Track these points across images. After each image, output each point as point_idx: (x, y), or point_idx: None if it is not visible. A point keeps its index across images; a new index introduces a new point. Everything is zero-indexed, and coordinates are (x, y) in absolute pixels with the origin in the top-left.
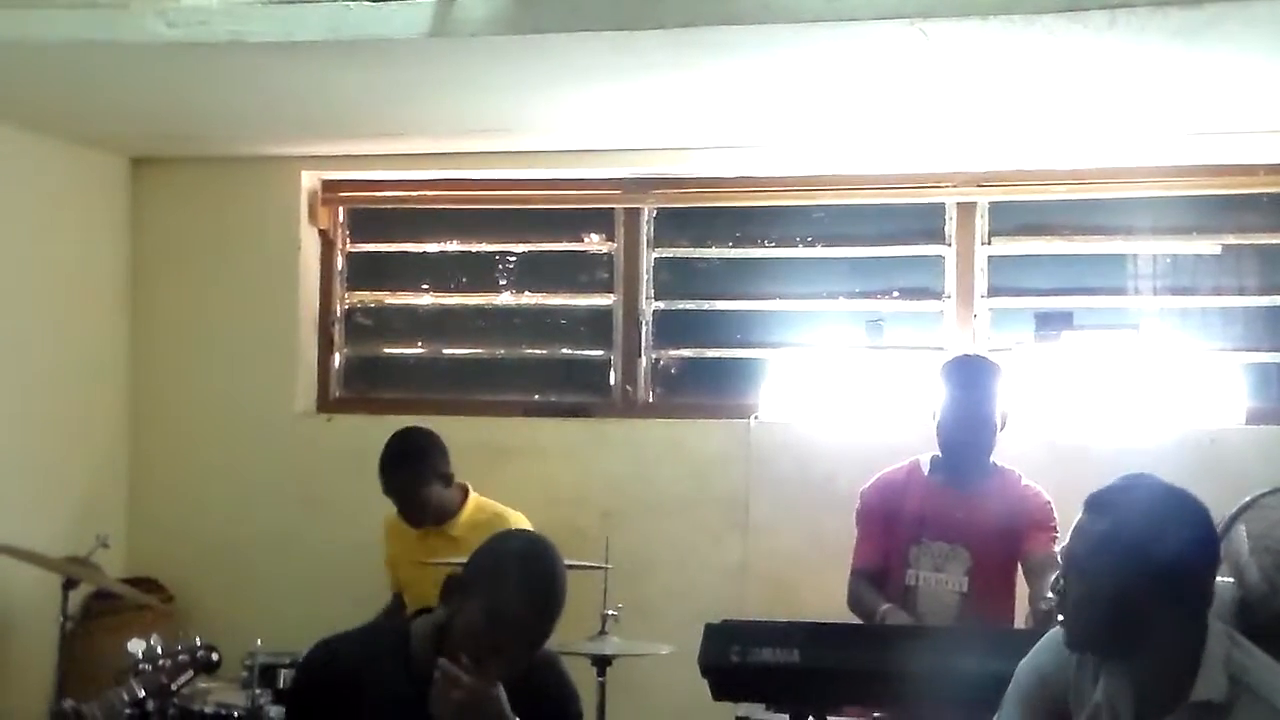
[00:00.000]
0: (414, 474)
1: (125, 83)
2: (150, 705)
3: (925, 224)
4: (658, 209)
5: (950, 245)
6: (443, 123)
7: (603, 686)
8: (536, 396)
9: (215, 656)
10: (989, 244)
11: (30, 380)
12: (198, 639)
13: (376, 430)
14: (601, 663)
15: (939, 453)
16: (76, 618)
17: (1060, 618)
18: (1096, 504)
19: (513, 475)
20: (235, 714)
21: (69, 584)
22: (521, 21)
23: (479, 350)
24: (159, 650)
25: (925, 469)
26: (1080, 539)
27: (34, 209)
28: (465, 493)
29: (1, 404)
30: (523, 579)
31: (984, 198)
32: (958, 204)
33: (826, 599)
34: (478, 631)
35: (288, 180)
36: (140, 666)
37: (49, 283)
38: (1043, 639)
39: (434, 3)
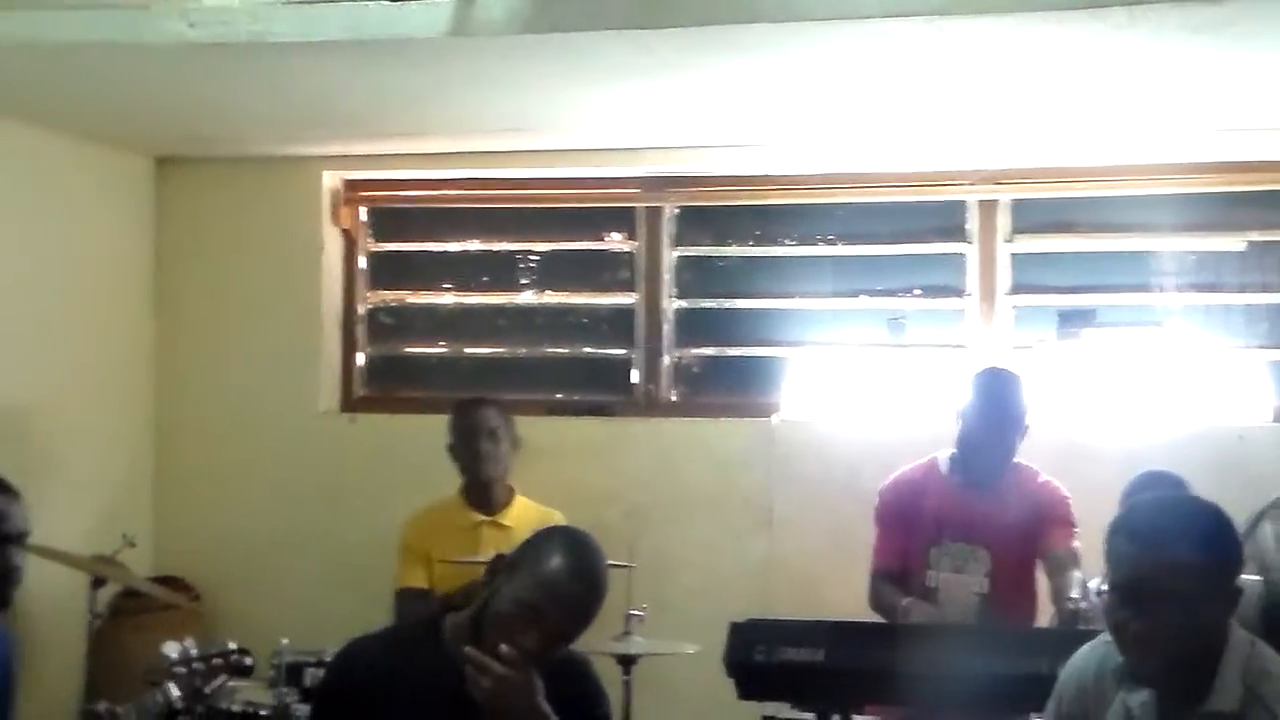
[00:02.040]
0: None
1: (149, 83)
2: (183, 708)
3: (946, 222)
4: (679, 207)
5: (972, 243)
6: (463, 122)
7: (628, 686)
8: (559, 395)
9: (249, 661)
10: (1011, 241)
11: (57, 379)
12: (231, 643)
13: (399, 429)
14: (627, 662)
15: (955, 451)
16: (104, 617)
17: (1125, 656)
18: (1138, 532)
19: (536, 474)
20: (262, 712)
21: (96, 583)
22: (540, 21)
23: (501, 349)
24: (193, 653)
25: (943, 468)
26: (1134, 569)
27: (61, 209)
28: (512, 491)
29: (28, 403)
30: (566, 547)
31: (1006, 195)
32: (979, 201)
33: (850, 597)
34: (518, 600)
35: (310, 180)
36: (175, 669)
37: (75, 281)
38: (1082, 649)
39: (453, 2)
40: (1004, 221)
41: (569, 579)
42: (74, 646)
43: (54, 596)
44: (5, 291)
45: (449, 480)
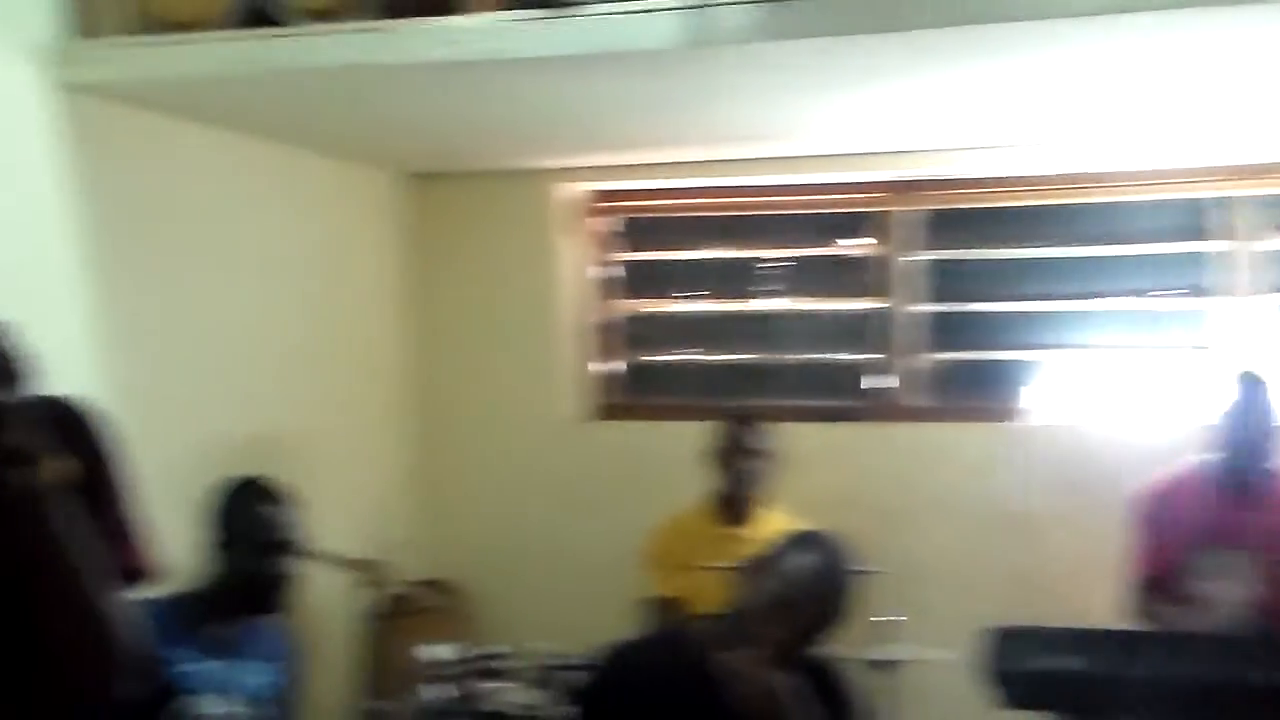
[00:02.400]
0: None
1: (400, 103)
2: (449, 707)
3: (1193, 220)
4: (923, 211)
5: (1221, 241)
6: (703, 130)
7: (879, 692)
8: (803, 402)
9: (510, 664)
10: (1258, 239)
11: (324, 391)
12: (492, 647)
13: (650, 436)
14: (878, 668)
15: (1213, 455)
16: (375, 619)
17: None
18: None
19: (781, 482)
20: (522, 714)
21: (366, 585)
22: (776, 28)
23: (748, 356)
24: (458, 655)
25: (1202, 473)
26: None
27: (322, 225)
28: (758, 500)
29: (300, 415)
30: (816, 546)
31: (1253, 191)
32: (1228, 199)
33: (1106, 604)
34: (768, 594)
35: (555, 191)
36: (441, 671)
37: (338, 294)
38: None
39: (688, 13)
40: (1251, 219)
41: (817, 575)
42: (348, 647)
43: (329, 599)
44: (272, 310)
45: (699, 486)
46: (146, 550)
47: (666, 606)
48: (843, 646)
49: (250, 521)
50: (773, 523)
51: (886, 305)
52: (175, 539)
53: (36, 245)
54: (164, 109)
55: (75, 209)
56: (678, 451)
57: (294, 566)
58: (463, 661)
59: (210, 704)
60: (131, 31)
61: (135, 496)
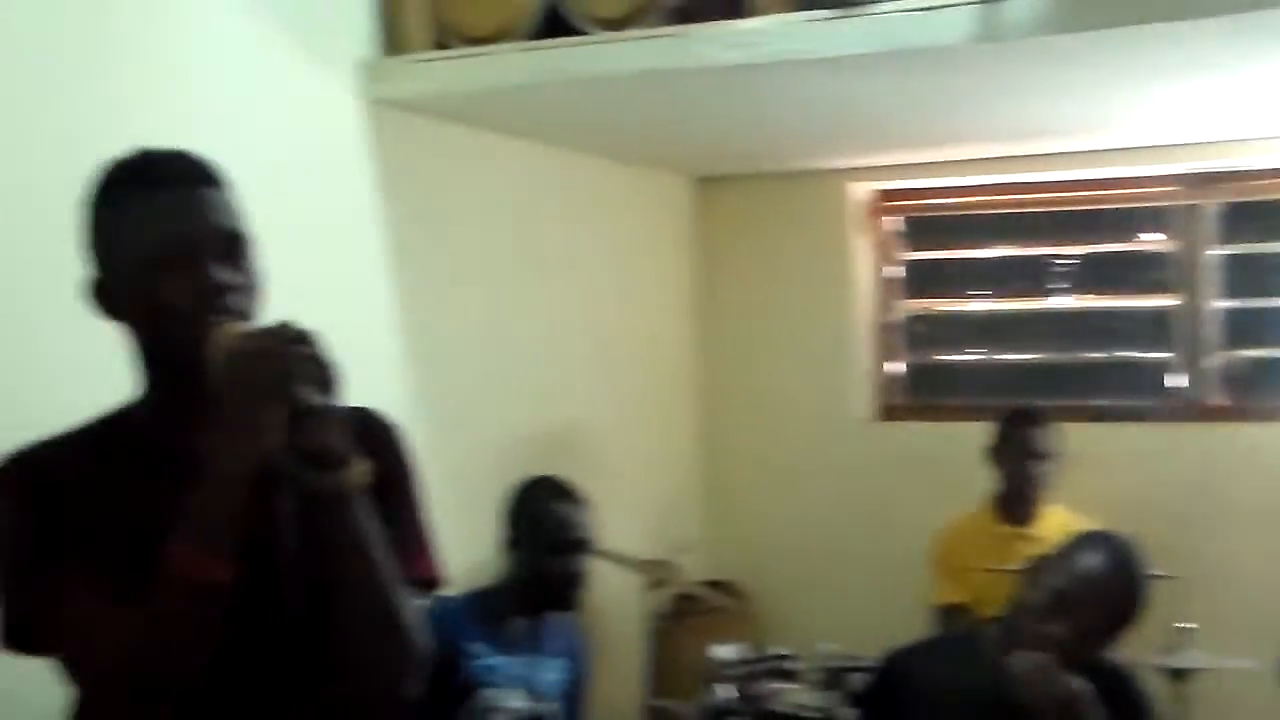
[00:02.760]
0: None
1: (687, 107)
2: (735, 708)
3: None
4: (1221, 204)
5: None
6: (992, 127)
7: (1172, 700)
8: (1095, 401)
9: (794, 666)
10: None
11: (612, 391)
12: (778, 649)
13: (936, 438)
14: (1175, 676)
15: None
16: (661, 618)
17: None
18: None
19: (1076, 482)
20: (808, 715)
21: (653, 585)
22: (1070, 20)
23: (1037, 355)
24: (743, 657)
25: None
26: None
27: (613, 230)
28: (1044, 500)
29: (588, 414)
30: (1104, 544)
31: None
32: None
33: None
34: (1051, 589)
35: (841, 191)
36: (726, 671)
37: (626, 297)
38: None
39: (979, 7)
40: None
41: (1104, 573)
42: (635, 646)
43: (617, 598)
44: (565, 314)
45: (986, 487)
46: (436, 561)
47: (954, 612)
48: (1134, 652)
49: (545, 520)
50: (1060, 524)
51: (1183, 301)
52: (473, 537)
53: (344, 255)
54: (463, 120)
55: (380, 219)
56: (963, 452)
57: (586, 565)
58: (748, 662)
59: (509, 698)
60: (435, 47)
61: (427, 509)
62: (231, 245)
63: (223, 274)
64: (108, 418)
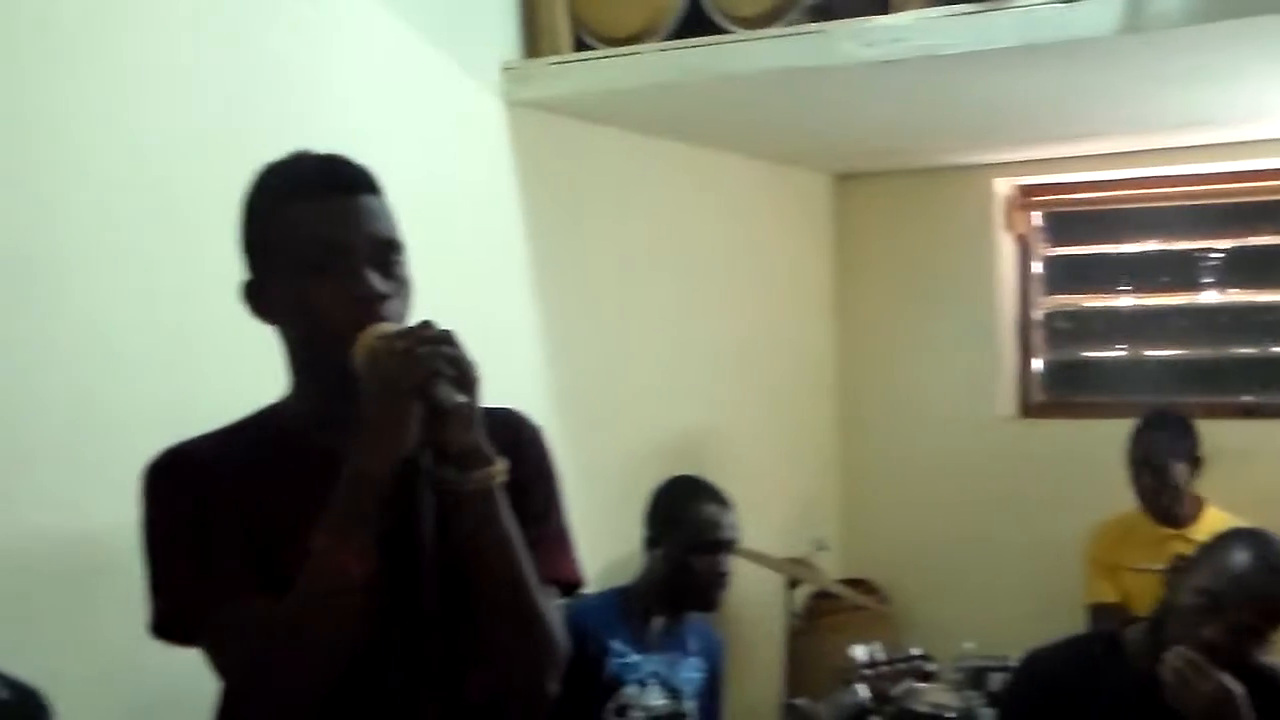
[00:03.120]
0: (1176, 442)
1: (827, 105)
2: (872, 707)
3: None
4: None
5: None
6: (1137, 120)
7: None
8: (1247, 397)
9: (932, 667)
10: None
11: (750, 389)
12: (915, 649)
13: (1079, 435)
14: None
15: None
16: (800, 617)
17: None
18: None
19: (1227, 480)
20: (948, 715)
21: (792, 584)
22: (1219, 8)
23: (1184, 351)
24: (881, 657)
25: None
26: None
27: (750, 227)
28: (1201, 502)
29: (726, 412)
30: (1251, 540)
31: None
32: None
33: None
34: (1198, 589)
35: (982, 187)
36: (864, 671)
37: (764, 295)
38: None
39: None
40: None
41: (1253, 569)
42: (773, 644)
43: (755, 596)
44: (702, 312)
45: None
46: (575, 562)
47: (1106, 611)
48: None
49: (689, 519)
50: (1215, 522)
51: None
52: (612, 536)
53: (485, 256)
54: (603, 120)
55: (521, 221)
56: (1107, 451)
57: (728, 564)
58: (887, 662)
59: (650, 696)
60: (575, 48)
61: (566, 510)
62: (383, 252)
63: (374, 281)
64: (259, 416)
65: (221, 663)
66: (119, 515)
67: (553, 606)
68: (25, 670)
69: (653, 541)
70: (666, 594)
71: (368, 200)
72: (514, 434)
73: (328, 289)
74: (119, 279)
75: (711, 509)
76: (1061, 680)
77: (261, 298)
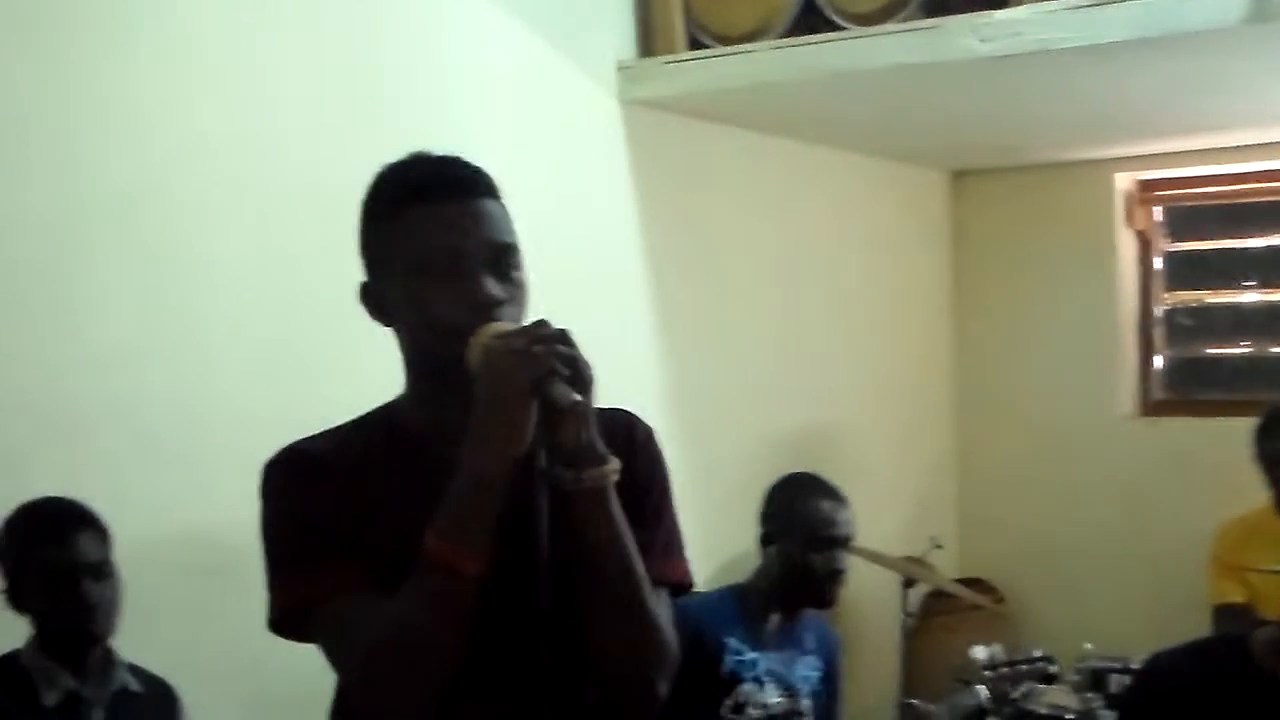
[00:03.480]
0: None
1: (944, 100)
2: (991, 709)
3: None
4: None
5: None
6: (1261, 112)
7: None
8: None
9: (1054, 669)
10: None
11: (866, 387)
12: (1036, 650)
13: (1201, 434)
14: None
15: None
16: (915, 616)
17: None
18: None
19: None
20: (1068, 717)
21: (907, 583)
22: None
23: None
24: (1001, 658)
25: None
26: None
27: (864, 224)
28: None
29: (842, 410)
30: None
31: None
32: None
33: None
34: None
35: (1101, 183)
36: (983, 672)
37: (880, 293)
38: None
39: None
40: None
41: None
42: (889, 644)
43: (870, 597)
44: (816, 309)
45: (1256, 486)
46: (685, 565)
47: (1233, 614)
48: None
49: (806, 516)
50: None
51: None
52: (725, 534)
53: (599, 255)
54: (717, 118)
55: (635, 220)
56: (1235, 448)
57: (844, 561)
58: (1008, 663)
59: (767, 694)
60: (689, 47)
61: (676, 513)
62: (500, 257)
63: (490, 287)
64: (375, 415)
65: (334, 660)
66: (242, 512)
67: (664, 608)
68: (154, 663)
69: (768, 539)
70: (783, 591)
71: (486, 204)
72: (627, 435)
73: (444, 294)
74: (262, 281)
75: (827, 505)
76: (1184, 684)
77: (378, 300)
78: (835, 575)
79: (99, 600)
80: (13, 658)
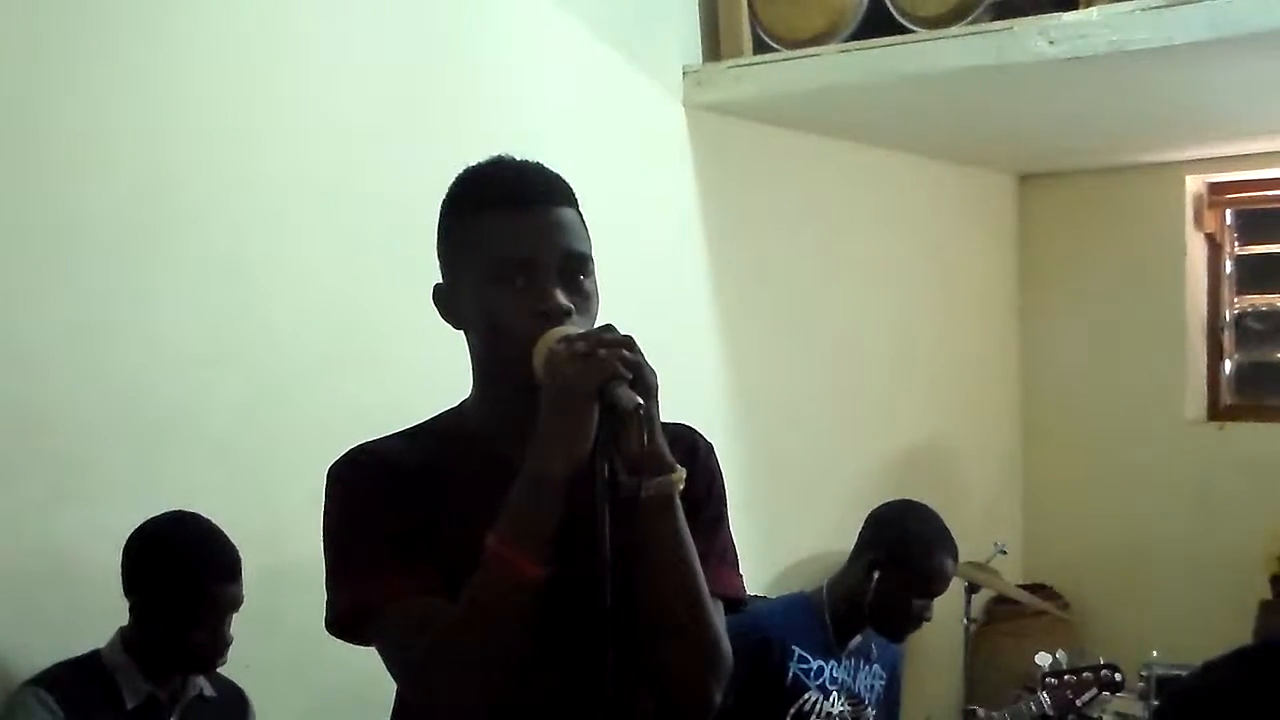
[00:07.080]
0: None
1: (1011, 103)
2: (1055, 716)
3: None
4: None
5: None
6: None
7: None
8: None
9: (1119, 677)
10: None
11: (931, 392)
12: (1101, 658)
13: (1270, 439)
14: None
15: None
16: (979, 622)
17: None
18: None
19: None
20: None
21: (971, 589)
22: None
23: None
24: (1065, 665)
25: None
26: None
27: (931, 229)
28: None
29: (907, 415)
30: None
31: None
32: None
33: None
34: None
35: (1171, 185)
36: (1047, 680)
37: (946, 297)
38: None
39: None
40: None
41: None
42: (952, 649)
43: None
44: (883, 314)
45: None
46: (739, 579)
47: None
48: None
49: (924, 565)
50: None
51: None
52: (790, 542)
53: (664, 259)
54: (783, 122)
55: (700, 225)
56: None
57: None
58: (1069, 670)
59: (832, 703)
60: (756, 51)
61: (730, 528)
62: (572, 266)
63: (559, 295)
64: (442, 419)
65: (393, 662)
66: (308, 513)
67: (721, 619)
68: (223, 667)
69: (874, 564)
70: (866, 614)
71: (561, 212)
72: (688, 449)
73: (513, 300)
74: (329, 287)
75: (949, 564)
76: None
77: (451, 302)
78: (924, 620)
79: (230, 638)
80: (94, 657)
